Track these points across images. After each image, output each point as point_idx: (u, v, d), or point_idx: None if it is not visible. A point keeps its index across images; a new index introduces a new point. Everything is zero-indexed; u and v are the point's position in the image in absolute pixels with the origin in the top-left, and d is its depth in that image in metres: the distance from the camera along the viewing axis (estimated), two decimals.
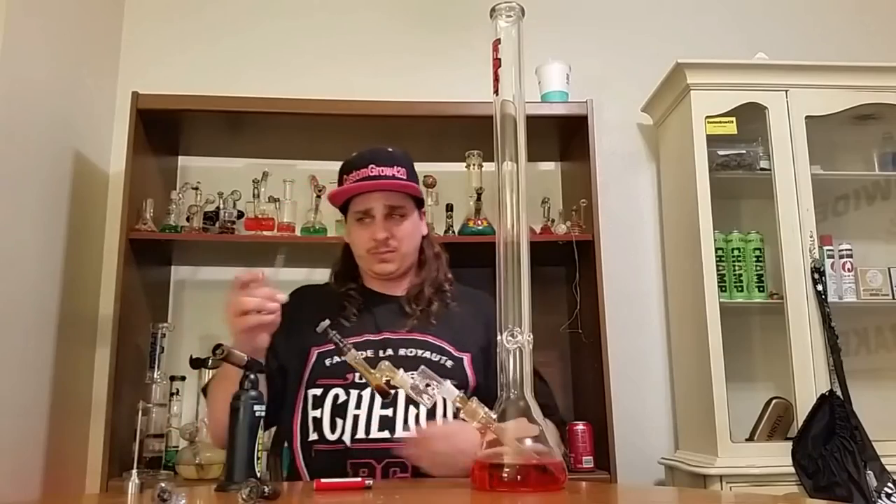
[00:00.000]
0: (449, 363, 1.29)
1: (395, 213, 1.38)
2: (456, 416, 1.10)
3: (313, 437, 1.26)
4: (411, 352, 1.29)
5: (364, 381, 1.21)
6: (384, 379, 1.07)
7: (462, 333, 1.34)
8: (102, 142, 2.33)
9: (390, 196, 1.38)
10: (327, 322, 1.11)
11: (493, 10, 1.12)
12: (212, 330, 2.27)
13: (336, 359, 1.27)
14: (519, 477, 0.95)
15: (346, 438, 1.22)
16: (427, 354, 1.29)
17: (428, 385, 1.03)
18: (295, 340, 1.29)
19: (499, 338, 1.01)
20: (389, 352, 1.28)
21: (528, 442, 0.98)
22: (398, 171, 1.39)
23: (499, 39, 1.11)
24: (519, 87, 1.09)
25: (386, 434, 1.21)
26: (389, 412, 1.22)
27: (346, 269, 1.46)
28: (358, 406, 1.24)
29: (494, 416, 0.99)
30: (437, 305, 1.37)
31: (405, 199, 1.40)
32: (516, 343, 1.00)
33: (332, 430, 1.24)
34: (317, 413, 1.26)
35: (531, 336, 1.00)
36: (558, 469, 0.97)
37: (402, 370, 1.07)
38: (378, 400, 1.23)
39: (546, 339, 2.29)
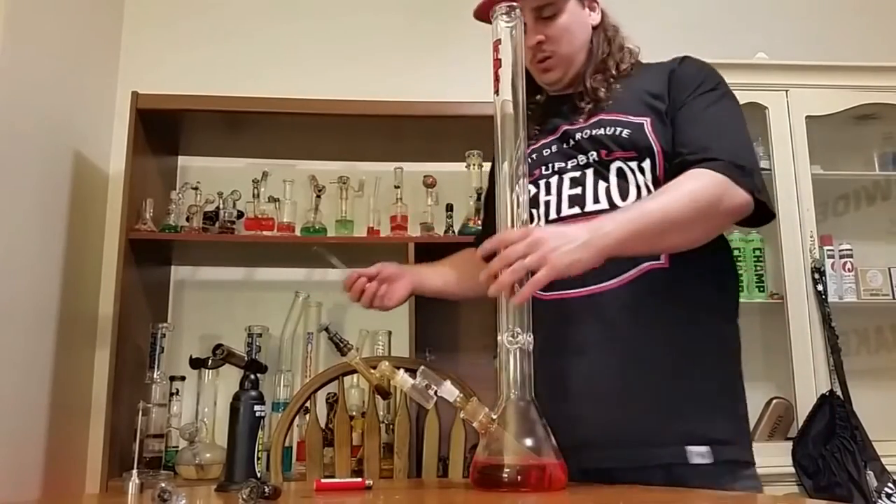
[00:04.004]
0: (625, 132, 1.16)
1: (545, 12, 1.24)
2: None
3: None
4: (586, 133, 1.19)
5: (550, 172, 1.20)
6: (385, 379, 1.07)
7: (639, 99, 1.19)
8: (102, 142, 2.33)
9: None
10: (327, 323, 1.13)
11: (493, 10, 1.12)
12: (212, 330, 2.27)
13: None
14: (519, 478, 0.95)
15: (542, 224, 1.19)
16: (601, 131, 1.18)
17: (427, 386, 1.02)
18: None
19: (499, 338, 1.01)
20: (571, 142, 1.20)
21: (529, 442, 0.97)
22: None
23: (499, 40, 1.11)
24: (521, 87, 1.08)
25: (576, 210, 1.16)
26: (578, 190, 1.17)
27: (529, 86, 1.33)
28: (548, 193, 1.20)
29: (495, 417, 0.99)
30: (608, 86, 1.23)
31: None
32: (517, 343, 1.00)
33: (531, 220, 1.18)
34: None
35: (532, 337, 1.00)
36: (558, 470, 0.97)
37: (402, 371, 1.06)
38: (567, 182, 1.19)
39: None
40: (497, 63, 1.11)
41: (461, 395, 1.01)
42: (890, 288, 2.22)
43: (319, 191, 2.22)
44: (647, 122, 1.16)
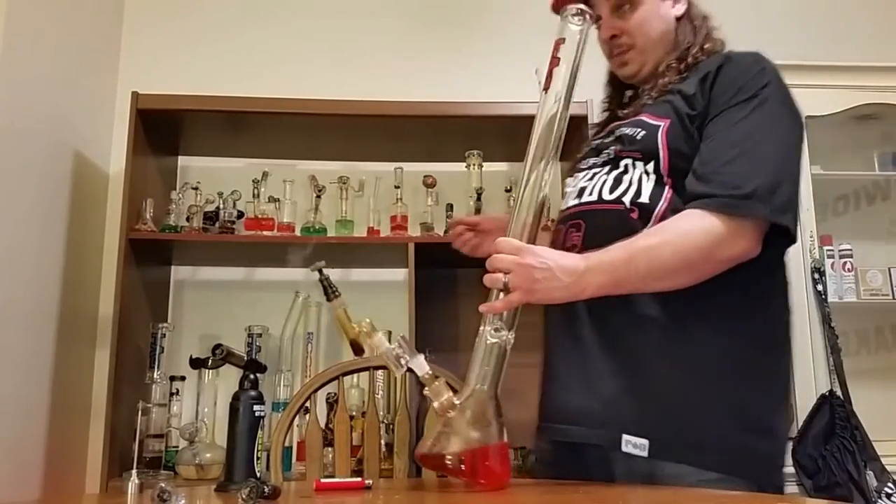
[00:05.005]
0: (640, 134, 1.14)
1: (623, 4, 1.21)
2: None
3: None
4: (620, 131, 1.18)
5: (587, 166, 1.20)
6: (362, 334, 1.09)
7: (670, 100, 1.15)
8: (102, 142, 2.33)
9: None
10: (322, 263, 1.20)
11: (563, 9, 1.14)
12: (212, 330, 2.27)
13: None
14: (462, 466, 0.97)
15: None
16: (626, 130, 1.17)
17: (399, 357, 1.03)
18: None
19: (482, 328, 1.03)
20: (611, 137, 1.20)
21: (479, 434, 0.99)
22: None
23: (563, 39, 1.12)
24: (570, 91, 1.12)
25: (577, 201, 1.18)
26: (588, 183, 1.18)
27: (613, 82, 1.35)
28: (573, 184, 1.22)
29: (458, 403, 1.00)
30: (666, 79, 1.19)
31: None
32: (497, 338, 1.01)
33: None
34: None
35: (513, 336, 1.02)
36: (500, 465, 0.99)
37: (380, 334, 1.06)
38: (588, 175, 1.19)
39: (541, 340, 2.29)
40: (555, 61, 1.12)
41: (430, 372, 1.03)
42: (890, 288, 2.22)
43: (319, 191, 2.22)
44: (664, 124, 1.12)
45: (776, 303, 1.12)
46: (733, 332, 1.07)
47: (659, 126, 1.12)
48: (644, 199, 1.10)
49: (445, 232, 2.20)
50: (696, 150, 1.09)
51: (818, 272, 2.08)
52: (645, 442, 1.02)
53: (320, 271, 1.21)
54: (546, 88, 1.12)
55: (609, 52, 1.27)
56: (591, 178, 1.19)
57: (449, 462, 0.97)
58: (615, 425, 1.05)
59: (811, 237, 2.11)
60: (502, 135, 2.25)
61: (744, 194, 1.01)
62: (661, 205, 1.09)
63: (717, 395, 1.04)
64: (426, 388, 1.02)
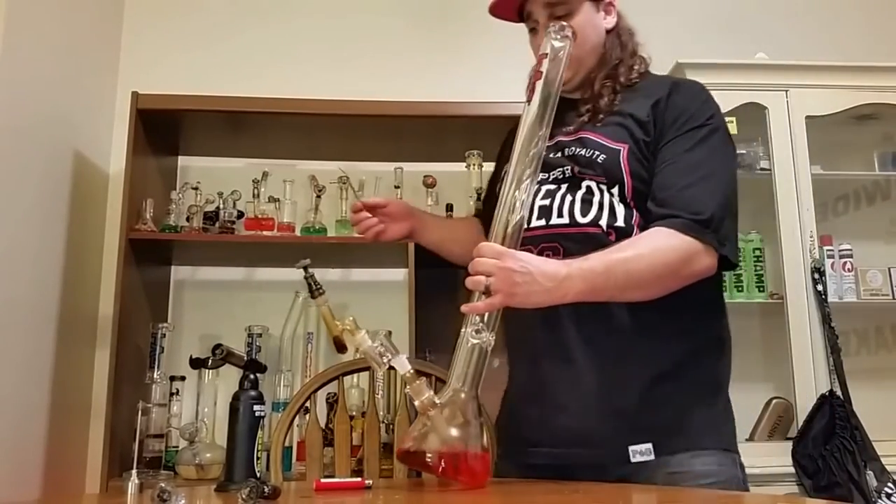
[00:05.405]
0: (601, 157, 1.17)
1: (557, 11, 1.23)
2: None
3: None
4: (570, 150, 1.20)
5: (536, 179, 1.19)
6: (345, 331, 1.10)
7: (624, 124, 1.19)
8: (102, 141, 2.33)
9: None
10: (307, 261, 1.30)
11: (547, 27, 1.19)
12: (212, 330, 2.27)
13: None
14: (442, 464, 0.99)
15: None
16: (581, 151, 1.19)
17: (381, 354, 1.04)
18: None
19: (464, 329, 1.04)
20: (559, 154, 1.21)
21: (459, 433, 1.00)
22: None
23: (545, 54, 1.16)
24: (552, 102, 1.16)
25: (542, 222, 1.18)
26: (548, 202, 1.19)
27: None
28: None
29: (438, 402, 1.01)
30: (607, 99, 1.22)
31: None
32: (478, 339, 1.02)
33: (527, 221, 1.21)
34: None
35: (493, 337, 1.03)
36: (479, 464, 1.00)
37: (364, 331, 1.08)
38: (542, 192, 1.20)
39: None
40: (538, 75, 1.16)
41: (411, 371, 1.04)
42: (890, 288, 2.22)
43: (319, 191, 2.22)
44: (624, 149, 1.17)
45: (723, 310, 1.25)
46: (697, 335, 1.18)
47: (619, 150, 1.17)
48: (620, 222, 1.15)
49: None
50: (651, 173, 1.16)
51: (818, 272, 2.08)
52: (649, 446, 1.08)
53: (305, 269, 1.22)
54: (529, 100, 1.16)
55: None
56: (548, 197, 1.20)
57: (429, 460, 0.99)
58: (619, 438, 1.10)
59: (811, 237, 2.11)
60: (502, 135, 2.25)
61: (704, 220, 1.09)
62: (635, 228, 1.14)
63: (693, 389, 1.16)
64: (407, 387, 1.03)
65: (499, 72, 2.43)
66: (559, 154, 1.22)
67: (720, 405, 1.20)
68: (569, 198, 1.18)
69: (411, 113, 2.11)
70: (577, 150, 1.19)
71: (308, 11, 2.56)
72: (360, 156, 2.37)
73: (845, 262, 2.21)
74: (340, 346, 1.24)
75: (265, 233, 2.14)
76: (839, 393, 1.98)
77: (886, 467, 1.90)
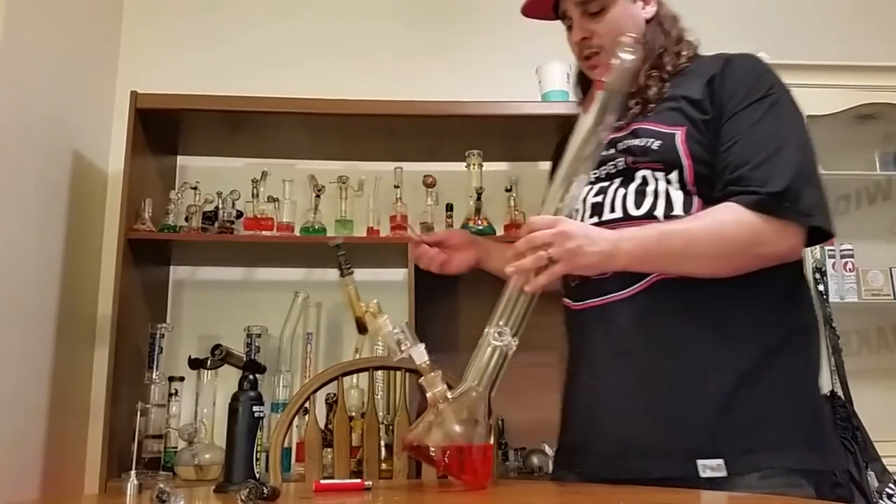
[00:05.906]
0: (656, 144, 1.11)
1: (591, 7, 1.20)
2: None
3: None
4: (623, 144, 1.15)
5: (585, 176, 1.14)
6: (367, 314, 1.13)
7: (678, 107, 1.13)
8: (101, 141, 2.32)
9: None
10: (340, 239, 1.29)
11: (619, 41, 1.14)
12: (211, 330, 2.27)
13: None
14: (445, 459, 0.98)
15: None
16: (635, 142, 1.13)
17: (400, 342, 1.04)
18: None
19: (487, 328, 1.03)
20: (612, 149, 1.16)
21: (464, 430, 1.00)
22: None
23: (611, 64, 1.13)
24: (611, 115, 1.11)
25: (595, 220, 1.14)
26: (600, 199, 1.15)
27: (583, 83, 1.33)
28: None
29: (450, 396, 1.01)
30: (655, 89, 1.17)
31: None
32: (500, 342, 1.01)
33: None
34: None
35: (517, 342, 1.02)
36: (481, 464, 1.00)
37: (386, 316, 1.08)
38: (594, 190, 1.16)
39: (547, 340, 2.30)
40: (599, 84, 1.13)
41: (427, 362, 1.04)
42: (891, 288, 2.21)
43: (319, 191, 2.21)
44: (680, 132, 1.10)
45: (808, 294, 1.15)
46: (776, 330, 1.06)
47: (675, 134, 1.10)
48: (678, 210, 1.08)
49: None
50: (714, 154, 1.08)
51: (819, 272, 2.08)
52: (721, 461, 0.99)
53: (338, 247, 1.22)
54: (585, 109, 1.13)
55: (579, 53, 1.26)
56: (600, 193, 1.15)
57: (433, 453, 0.99)
58: (686, 452, 1.01)
59: None
60: (502, 135, 2.25)
61: (778, 192, 1.02)
62: None
63: (771, 394, 1.03)
64: (422, 378, 1.03)
65: (499, 72, 2.44)
66: (612, 150, 1.16)
67: (804, 412, 1.05)
68: (622, 191, 1.12)
69: (411, 113, 2.11)
70: (631, 141, 1.14)
71: (308, 12, 2.56)
72: (359, 155, 2.37)
73: (846, 262, 2.21)
74: (362, 327, 1.24)
75: (264, 233, 2.14)
76: (840, 393, 1.98)
77: (888, 468, 1.90)
